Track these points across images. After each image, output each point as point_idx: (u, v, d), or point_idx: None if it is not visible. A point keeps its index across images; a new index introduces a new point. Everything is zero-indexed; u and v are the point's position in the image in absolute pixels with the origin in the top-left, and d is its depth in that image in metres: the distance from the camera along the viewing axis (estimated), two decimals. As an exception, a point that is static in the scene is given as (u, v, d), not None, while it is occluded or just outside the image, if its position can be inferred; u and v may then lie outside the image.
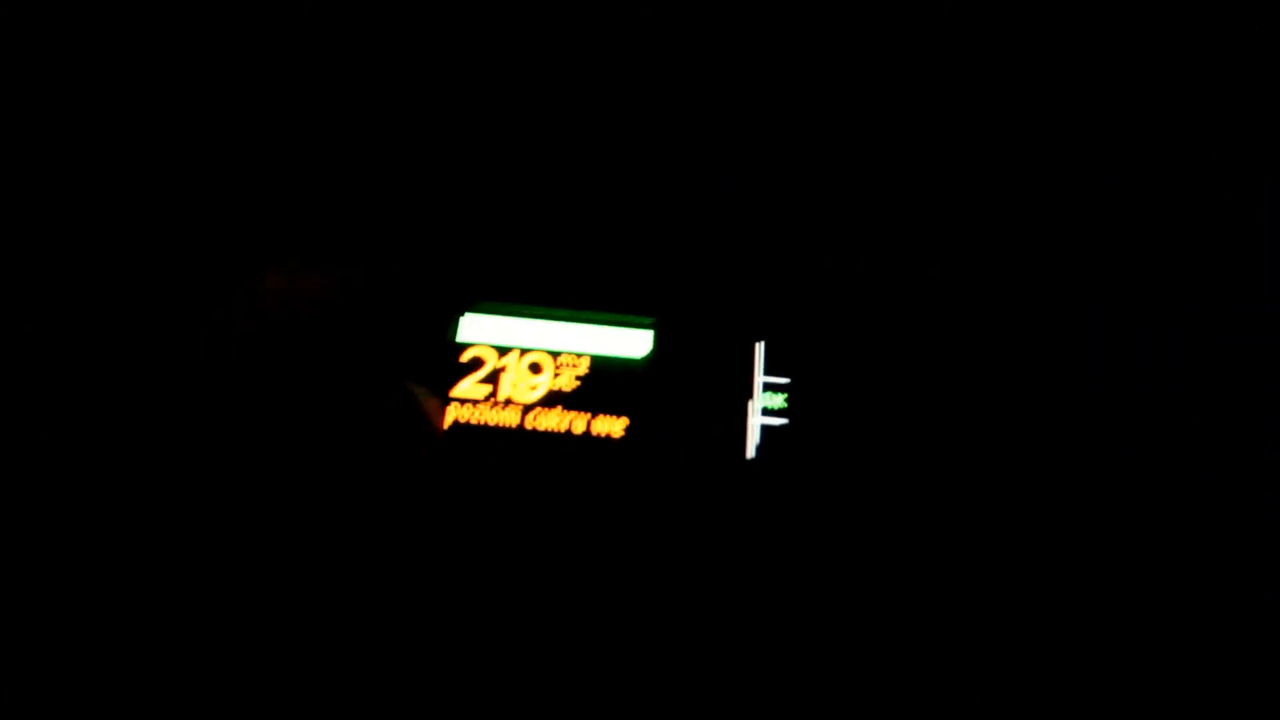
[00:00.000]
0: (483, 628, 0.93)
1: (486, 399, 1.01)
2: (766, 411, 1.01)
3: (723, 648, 0.92)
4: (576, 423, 1.01)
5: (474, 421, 1.01)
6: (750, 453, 0.99)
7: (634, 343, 1.04)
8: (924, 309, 1.04)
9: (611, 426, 1.01)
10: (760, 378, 1.02)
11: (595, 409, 1.01)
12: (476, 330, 1.05)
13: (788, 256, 1.07)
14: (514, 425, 1.01)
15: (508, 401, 1.01)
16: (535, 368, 1.03)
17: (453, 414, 1.01)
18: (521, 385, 1.02)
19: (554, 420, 1.01)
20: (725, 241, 1.07)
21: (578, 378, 1.02)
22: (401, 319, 1.04)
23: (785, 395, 1.02)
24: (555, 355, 1.03)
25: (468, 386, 1.02)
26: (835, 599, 0.94)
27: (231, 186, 1.05)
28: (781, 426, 1.00)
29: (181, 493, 0.94)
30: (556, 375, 1.03)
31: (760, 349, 1.03)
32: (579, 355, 1.03)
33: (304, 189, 1.07)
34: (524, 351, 1.04)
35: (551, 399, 1.02)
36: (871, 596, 0.94)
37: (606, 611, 0.94)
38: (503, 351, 1.03)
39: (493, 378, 1.02)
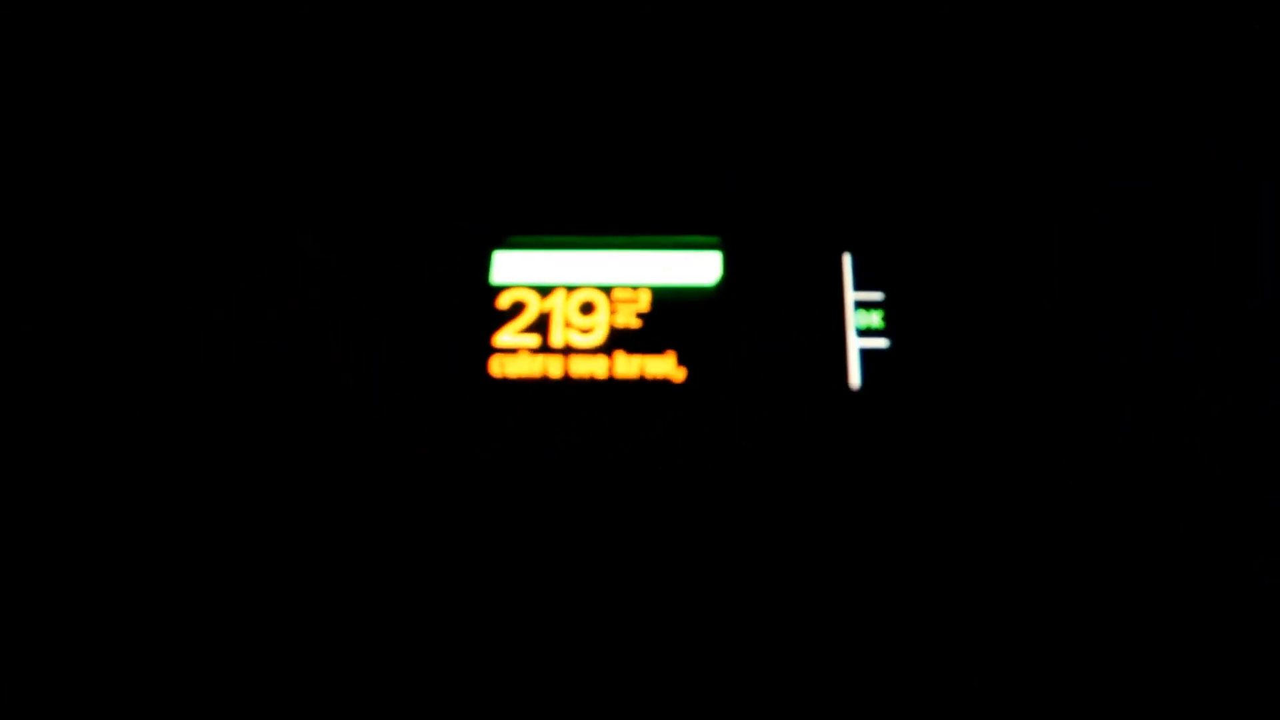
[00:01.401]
0: (553, 609, 0.78)
1: (535, 349, 0.86)
2: (862, 333, 0.86)
3: (839, 624, 0.78)
4: (642, 367, 0.85)
5: (522, 376, 0.85)
6: (854, 382, 0.84)
7: (700, 267, 0.88)
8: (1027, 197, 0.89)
9: (684, 368, 0.85)
10: (851, 294, 0.87)
11: (662, 349, 0.86)
12: (514, 269, 0.89)
13: (869, 149, 0.91)
14: (570, 376, 0.85)
15: (565, 349, 0.86)
16: (587, 308, 0.87)
17: (496, 368, 0.85)
18: (573, 329, 0.86)
19: (615, 366, 0.85)
20: (795, 138, 0.91)
21: (638, 314, 0.87)
22: (428, 263, 0.88)
23: (883, 313, 0.87)
24: (608, 291, 0.88)
25: (510, 336, 0.86)
26: (966, 555, 0.80)
27: (240, 136, 0.90)
28: (883, 350, 0.86)
29: (200, 452, 0.83)
30: (613, 314, 0.87)
31: (848, 261, 0.88)
32: (636, 288, 0.88)
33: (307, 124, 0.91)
34: (571, 289, 0.88)
35: (611, 342, 0.86)
36: (1009, 549, 0.80)
37: (702, 584, 0.79)
38: (546, 292, 0.88)
39: (540, 323, 0.87)
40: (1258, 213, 0.90)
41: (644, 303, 0.87)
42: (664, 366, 0.85)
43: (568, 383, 0.85)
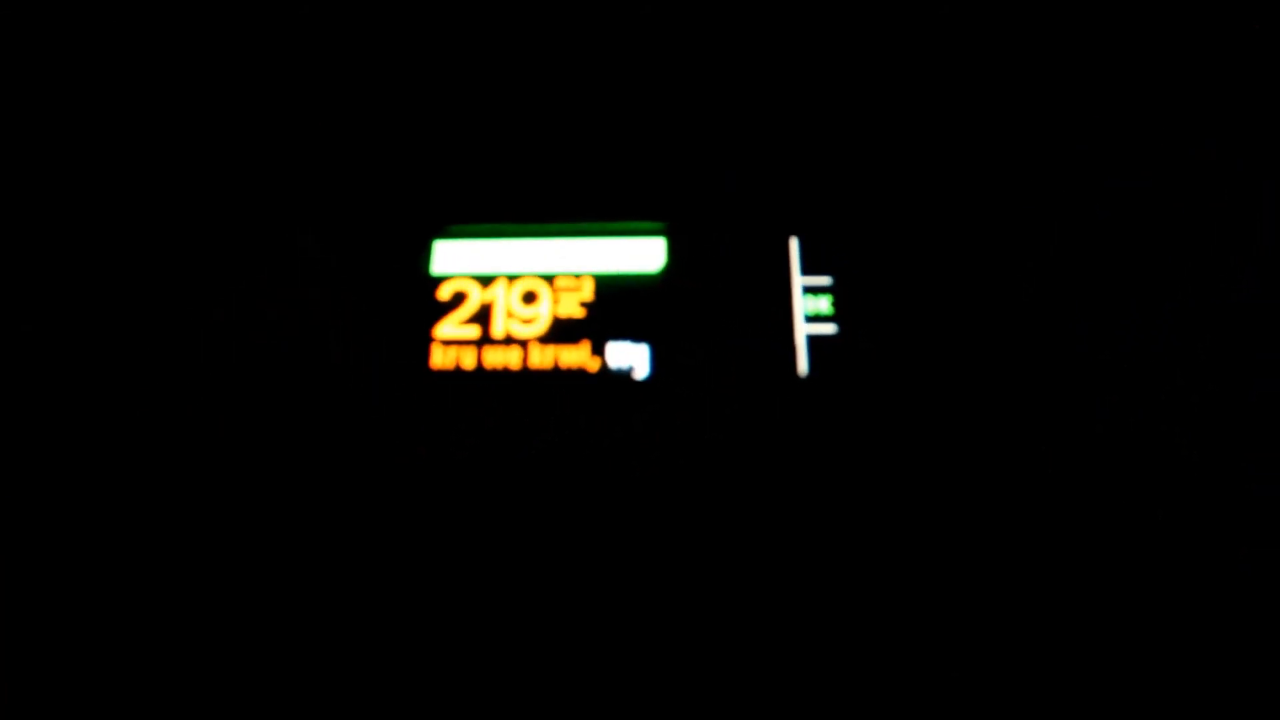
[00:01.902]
0: (495, 613, 0.77)
1: (477, 340, 0.84)
2: (810, 319, 0.85)
3: (780, 620, 0.77)
4: (587, 357, 0.84)
5: (464, 367, 0.83)
6: (802, 369, 0.83)
7: (645, 254, 0.87)
8: (981, 178, 0.88)
9: (629, 356, 0.84)
10: (799, 279, 0.86)
11: (607, 337, 0.84)
12: (454, 259, 0.87)
13: (817, 131, 0.89)
14: (513, 367, 0.83)
15: (507, 340, 0.84)
16: (530, 297, 0.85)
17: (438, 359, 0.83)
18: (516, 319, 0.85)
19: (559, 357, 0.84)
20: (739, 120, 0.89)
21: (582, 303, 0.85)
22: (365, 254, 0.86)
23: (831, 298, 0.85)
24: (551, 279, 0.86)
25: (452, 327, 0.84)
26: (920, 552, 0.79)
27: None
28: (831, 336, 0.84)
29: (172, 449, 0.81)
30: (556, 303, 0.85)
31: (795, 245, 0.87)
32: (579, 276, 0.86)
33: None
34: (512, 279, 0.86)
35: (554, 332, 0.84)
36: (963, 545, 0.79)
37: (653, 574, 0.78)
38: (487, 281, 0.86)
39: (481, 314, 0.85)
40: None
41: (587, 291, 0.85)
42: (612, 357, 0.84)
43: (510, 374, 0.83)
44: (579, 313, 0.85)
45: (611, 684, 0.75)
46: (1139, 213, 0.90)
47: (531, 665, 0.75)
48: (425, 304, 0.85)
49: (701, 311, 0.85)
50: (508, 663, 0.76)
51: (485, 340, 0.84)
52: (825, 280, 0.86)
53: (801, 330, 0.84)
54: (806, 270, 0.86)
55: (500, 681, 0.75)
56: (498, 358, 0.83)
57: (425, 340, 0.84)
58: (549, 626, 0.76)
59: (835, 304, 0.85)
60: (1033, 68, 0.92)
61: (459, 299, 0.85)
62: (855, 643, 0.77)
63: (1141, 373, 0.84)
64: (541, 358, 0.83)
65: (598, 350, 0.84)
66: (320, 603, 0.77)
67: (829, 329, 0.84)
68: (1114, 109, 0.92)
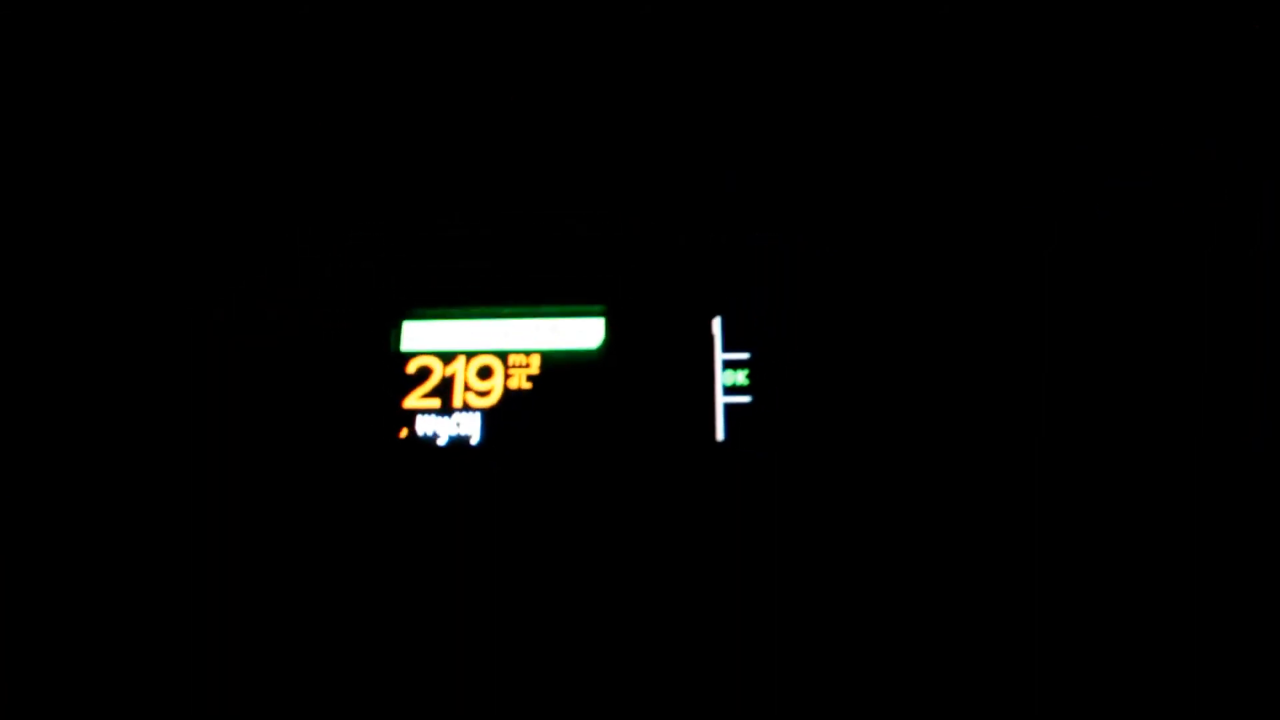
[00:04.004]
0: (452, 645, 0.89)
1: (439, 410, 0.97)
2: (728, 389, 0.97)
3: (704, 644, 0.89)
4: (533, 424, 0.96)
5: (428, 432, 0.96)
6: (719, 434, 0.95)
7: (585, 333, 0.99)
8: (890, 273, 0.99)
9: (571, 423, 0.96)
10: (720, 355, 0.98)
11: (551, 408, 0.97)
12: (419, 338, 1.00)
13: (739, 225, 1.02)
14: (469, 434, 0.96)
15: (465, 409, 0.97)
16: (485, 372, 0.98)
17: (406, 428, 0.96)
18: (472, 391, 0.98)
19: (510, 425, 0.96)
20: (671, 215, 1.02)
21: (529, 377, 0.98)
22: (342, 332, 0.99)
23: (748, 370, 0.98)
24: (504, 356, 0.99)
25: (417, 399, 0.97)
26: (820, 585, 0.91)
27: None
28: (746, 405, 0.96)
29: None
30: (508, 377, 0.98)
31: (718, 324, 0.99)
32: (528, 353, 0.99)
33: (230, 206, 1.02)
34: (470, 356, 0.99)
35: (505, 403, 0.97)
36: (858, 578, 0.91)
37: (581, 614, 0.90)
38: (448, 358, 0.99)
39: (443, 387, 0.98)
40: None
41: (535, 366, 0.98)
42: (556, 424, 0.96)
43: (467, 442, 0.96)
44: (527, 385, 0.98)
45: None
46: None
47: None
48: (396, 377, 0.98)
49: (635, 383, 0.97)
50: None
51: (446, 410, 0.97)
52: (744, 355, 0.98)
53: (720, 400, 0.96)
54: (728, 347, 0.98)
55: None
56: (455, 427, 0.96)
57: (396, 409, 0.97)
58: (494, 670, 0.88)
59: (751, 376, 0.97)
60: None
61: (425, 373, 0.98)
62: (768, 682, 0.88)
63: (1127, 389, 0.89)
64: (494, 427, 0.96)
65: (546, 418, 0.96)
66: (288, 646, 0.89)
67: (744, 399, 0.96)
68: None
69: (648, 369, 0.98)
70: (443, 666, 0.89)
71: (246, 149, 1.00)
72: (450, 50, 0.93)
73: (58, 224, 0.99)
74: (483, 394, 0.97)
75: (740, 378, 0.97)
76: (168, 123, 0.97)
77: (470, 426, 0.96)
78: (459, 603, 0.90)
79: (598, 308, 1.00)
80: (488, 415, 0.97)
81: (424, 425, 0.96)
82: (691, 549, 0.92)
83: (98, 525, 0.93)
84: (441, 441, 0.96)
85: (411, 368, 0.98)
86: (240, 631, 0.90)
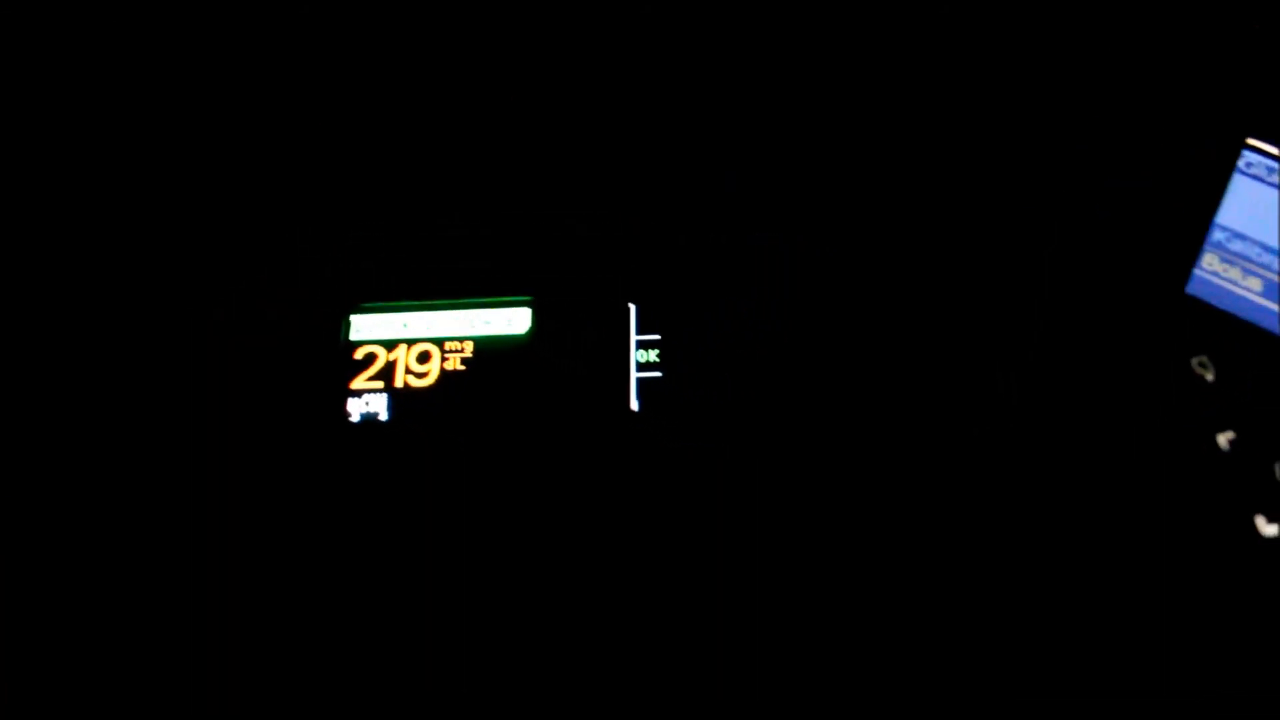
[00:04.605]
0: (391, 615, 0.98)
1: (382, 390, 1.08)
2: (641, 366, 1.09)
3: (624, 588, 0.99)
4: (467, 401, 1.08)
5: (372, 411, 1.07)
6: (634, 405, 1.07)
7: (514, 321, 1.12)
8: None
9: (502, 399, 1.08)
10: (634, 337, 1.10)
11: (484, 386, 1.08)
12: (366, 329, 1.12)
13: (652, 223, 1.15)
14: (409, 412, 1.07)
15: (405, 389, 1.08)
16: (424, 357, 1.10)
17: (354, 408, 1.07)
18: (412, 374, 1.09)
19: (446, 401, 1.08)
20: (593, 218, 1.15)
21: (463, 360, 1.10)
22: (297, 325, 1.11)
23: (658, 350, 1.10)
24: (440, 343, 1.11)
25: (363, 382, 1.09)
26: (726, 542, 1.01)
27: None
28: (656, 379, 1.09)
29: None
30: (444, 361, 1.10)
31: (633, 311, 1.12)
32: (463, 340, 1.11)
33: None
34: (410, 343, 1.11)
35: (441, 384, 1.09)
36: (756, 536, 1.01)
37: (511, 564, 1.00)
38: (390, 346, 1.10)
39: (386, 371, 1.09)
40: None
41: (469, 351, 1.10)
42: (488, 400, 1.08)
43: (407, 418, 1.07)
44: (462, 368, 1.09)
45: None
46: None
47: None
48: (344, 363, 1.10)
49: (558, 364, 1.09)
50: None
51: (389, 389, 1.08)
52: (655, 337, 1.11)
53: (634, 376, 1.09)
54: (640, 330, 1.11)
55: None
56: (398, 405, 1.08)
57: (344, 391, 1.08)
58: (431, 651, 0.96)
59: (660, 355, 1.10)
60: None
61: (370, 359, 1.10)
62: (671, 646, 0.95)
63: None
64: (432, 404, 1.08)
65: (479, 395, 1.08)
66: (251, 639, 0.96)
67: (655, 374, 1.09)
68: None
69: (570, 350, 1.10)
70: (382, 624, 0.98)
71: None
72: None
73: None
74: (421, 375, 1.09)
75: (652, 356, 1.09)
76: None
77: (410, 405, 1.08)
78: (402, 551, 1.00)
79: (526, 299, 1.12)
80: (425, 394, 1.08)
81: (370, 404, 1.08)
82: (609, 505, 1.03)
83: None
84: (383, 417, 1.07)
85: (359, 354, 1.10)
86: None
